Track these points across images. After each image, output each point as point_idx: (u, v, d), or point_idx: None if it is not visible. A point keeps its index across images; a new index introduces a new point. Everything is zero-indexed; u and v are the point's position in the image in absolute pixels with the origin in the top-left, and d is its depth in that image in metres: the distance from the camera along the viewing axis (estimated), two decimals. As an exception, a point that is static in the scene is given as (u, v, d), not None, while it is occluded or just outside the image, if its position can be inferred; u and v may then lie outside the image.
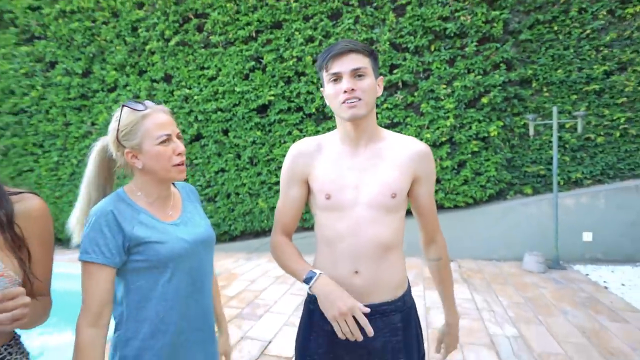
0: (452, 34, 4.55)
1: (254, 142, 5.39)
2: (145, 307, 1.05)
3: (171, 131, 1.07)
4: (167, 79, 5.82)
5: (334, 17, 4.97)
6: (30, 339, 0.97)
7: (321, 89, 1.18)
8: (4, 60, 6.75)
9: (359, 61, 1.07)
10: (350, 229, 1.12)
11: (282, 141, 5.29)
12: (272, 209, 5.45)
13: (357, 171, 1.15)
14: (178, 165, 1.08)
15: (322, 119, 5.15)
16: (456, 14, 4.53)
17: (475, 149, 4.60)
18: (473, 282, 3.94)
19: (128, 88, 5.96)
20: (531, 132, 4.40)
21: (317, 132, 5.08)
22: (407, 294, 1.21)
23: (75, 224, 1.12)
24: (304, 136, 5.12)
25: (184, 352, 1.11)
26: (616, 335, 2.75)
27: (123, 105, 1.08)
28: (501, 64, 4.52)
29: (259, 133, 5.35)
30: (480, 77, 4.51)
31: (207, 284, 1.20)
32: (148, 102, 1.10)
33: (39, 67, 6.55)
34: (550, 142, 4.54)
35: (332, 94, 1.10)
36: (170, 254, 1.06)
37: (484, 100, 4.52)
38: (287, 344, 2.76)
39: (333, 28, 4.91)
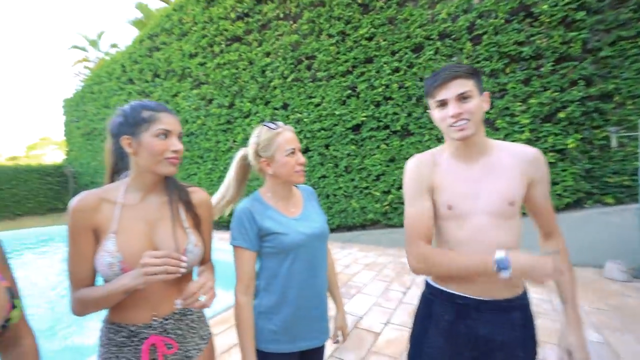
0: (528, 57, 3.93)
1: (348, 155, 5.34)
2: (272, 283, 1.09)
3: (295, 146, 1.10)
4: (285, 106, 6.09)
5: (417, 50, 4.68)
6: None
7: (429, 111, 1.03)
8: (182, 100, 7.79)
9: (463, 85, 0.91)
10: (472, 235, 0.96)
11: (372, 153, 5.13)
12: (362, 208, 5.33)
13: (472, 182, 0.97)
14: (298, 171, 1.10)
15: (406, 135, 4.87)
16: (531, 39, 3.91)
17: (552, 160, 3.89)
18: (549, 284, 3.30)
19: (257, 115, 6.39)
20: (613, 143, 3.58)
21: (401, 147, 4.82)
22: (524, 293, 1.02)
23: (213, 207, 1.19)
24: (391, 149, 4.90)
25: (304, 323, 1.12)
26: None
27: (263, 125, 1.13)
28: (579, 81, 3.76)
29: (353, 147, 5.27)
30: (557, 94, 3.81)
31: (321, 271, 1.16)
32: (280, 123, 1.12)
33: (202, 103, 7.41)
34: (636, 153, 3.62)
35: (439, 118, 0.96)
36: (291, 243, 1.07)
37: (561, 115, 3.80)
38: (375, 320, 2.61)
39: (416, 59, 4.63)
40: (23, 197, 12.59)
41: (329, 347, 1.54)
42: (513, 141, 4.02)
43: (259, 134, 1.12)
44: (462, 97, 0.91)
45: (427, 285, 1.10)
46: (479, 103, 0.92)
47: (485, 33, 4.15)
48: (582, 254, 3.86)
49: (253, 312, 1.06)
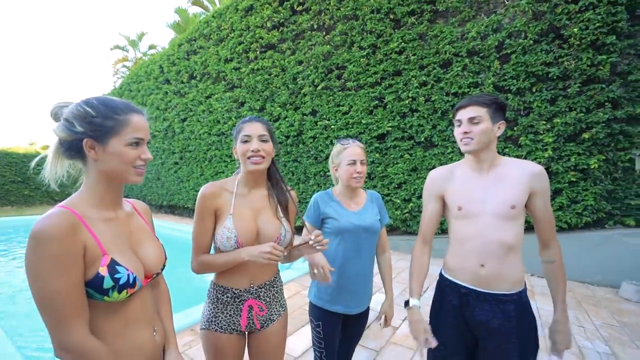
0: (555, 77, 4.05)
1: (372, 162, 5.55)
2: (325, 255, 1.33)
3: (357, 158, 1.39)
4: (314, 113, 6.39)
5: (445, 66, 4.86)
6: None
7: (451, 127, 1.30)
8: (215, 101, 8.24)
9: (475, 111, 1.15)
10: (478, 232, 1.16)
11: (395, 162, 5.33)
12: (382, 214, 5.50)
13: (482, 189, 1.19)
14: (354, 178, 1.39)
15: (430, 146, 5.04)
16: (560, 60, 4.03)
17: (573, 179, 3.98)
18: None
19: (287, 120, 6.71)
20: (638, 166, 3.64)
21: (424, 157, 5.00)
22: (524, 292, 1.19)
23: None
24: (414, 159, 5.09)
25: (344, 293, 1.40)
26: None
27: (337, 141, 1.46)
28: (606, 103, 3.85)
29: (377, 155, 5.49)
30: (582, 114, 3.91)
31: (364, 255, 1.42)
32: (350, 140, 1.43)
33: (234, 105, 7.82)
34: (660, 177, 3.66)
35: (455, 133, 1.21)
36: (340, 227, 1.37)
37: (585, 135, 3.89)
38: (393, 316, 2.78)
39: (443, 74, 4.81)
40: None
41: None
42: (535, 158, 4.14)
43: (335, 146, 1.47)
44: (473, 122, 1.15)
45: (440, 275, 1.35)
46: (487, 128, 1.15)
47: (513, 52, 4.29)
48: (599, 273, 3.91)
49: None
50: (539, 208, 1.17)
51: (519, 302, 1.16)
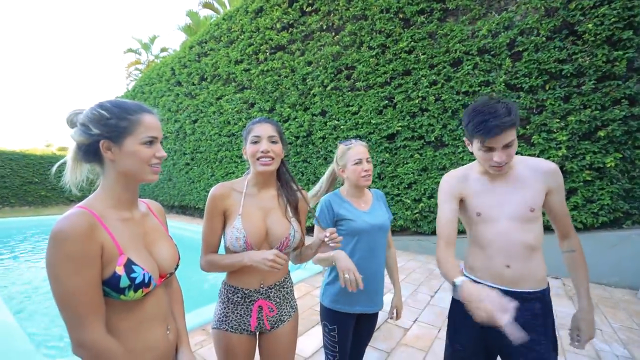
0: (569, 74, 3.96)
1: (382, 162, 5.52)
2: None
3: (362, 157, 1.40)
4: (323, 113, 6.38)
5: (455, 65, 4.80)
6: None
7: (465, 139, 1.20)
8: (226, 102, 8.32)
9: (510, 135, 1.06)
10: (499, 236, 1.14)
11: (405, 162, 5.29)
12: (393, 214, 5.47)
13: (498, 193, 1.17)
14: (363, 176, 1.39)
15: (440, 146, 4.99)
16: (573, 57, 3.93)
17: (588, 178, 3.88)
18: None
19: (296, 120, 6.72)
20: (656, 165, 3.51)
21: (434, 157, 4.95)
22: (547, 291, 1.17)
23: (310, 197, 1.52)
24: (424, 159, 5.04)
25: (360, 293, 1.33)
26: None
27: (340, 143, 1.47)
28: (623, 100, 3.74)
29: (387, 155, 5.46)
30: (597, 112, 3.81)
31: (378, 254, 1.43)
32: (352, 140, 1.44)
33: (244, 106, 7.88)
34: (681, 176, 3.53)
35: (483, 158, 1.12)
36: (357, 228, 1.36)
37: (601, 133, 3.79)
38: (404, 318, 2.73)
39: (454, 73, 4.75)
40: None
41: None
42: (548, 157, 4.05)
43: (338, 148, 1.47)
44: (508, 146, 1.08)
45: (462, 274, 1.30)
46: (516, 144, 1.10)
47: (525, 50, 4.21)
48: (617, 274, 3.80)
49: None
50: (555, 205, 1.16)
51: (544, 300, 1.15)
